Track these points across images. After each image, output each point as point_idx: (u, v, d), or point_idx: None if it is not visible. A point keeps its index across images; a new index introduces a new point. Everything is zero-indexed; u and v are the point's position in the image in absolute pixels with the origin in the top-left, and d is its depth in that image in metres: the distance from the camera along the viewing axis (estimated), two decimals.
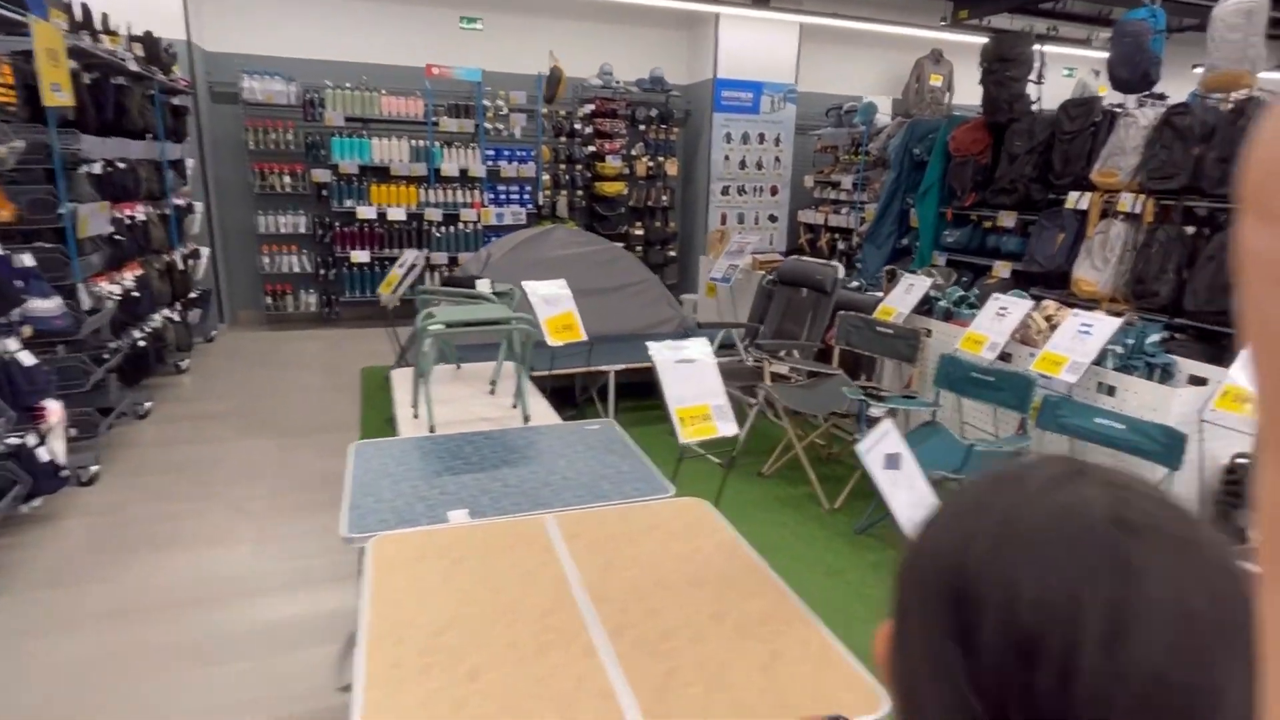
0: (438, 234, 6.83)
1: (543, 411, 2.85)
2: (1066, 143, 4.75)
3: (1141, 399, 2.72)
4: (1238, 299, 0.22)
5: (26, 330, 3.12)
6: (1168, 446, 2.42)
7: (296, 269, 6.66)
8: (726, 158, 7.51)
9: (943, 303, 3.69)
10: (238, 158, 6.40)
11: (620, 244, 7.47)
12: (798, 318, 4.22)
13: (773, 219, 7.88)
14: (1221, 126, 3.91)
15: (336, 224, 6.57)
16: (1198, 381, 2.95)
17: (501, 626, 1.29)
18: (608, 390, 4.17)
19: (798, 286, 4.27)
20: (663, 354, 2.10)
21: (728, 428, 2.13)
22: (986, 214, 5.48)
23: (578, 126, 7.17)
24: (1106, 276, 4.47)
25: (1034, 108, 5.24)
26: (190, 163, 5.75)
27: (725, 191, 7.61)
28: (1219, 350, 4.06)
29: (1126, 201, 4.37)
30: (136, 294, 4.19)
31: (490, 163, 6.87)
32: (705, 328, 4.24)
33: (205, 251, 5.93)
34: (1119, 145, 4.41)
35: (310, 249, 6.68)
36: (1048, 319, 3.26)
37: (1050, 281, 4.93)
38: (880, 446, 1.41)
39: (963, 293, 3.70)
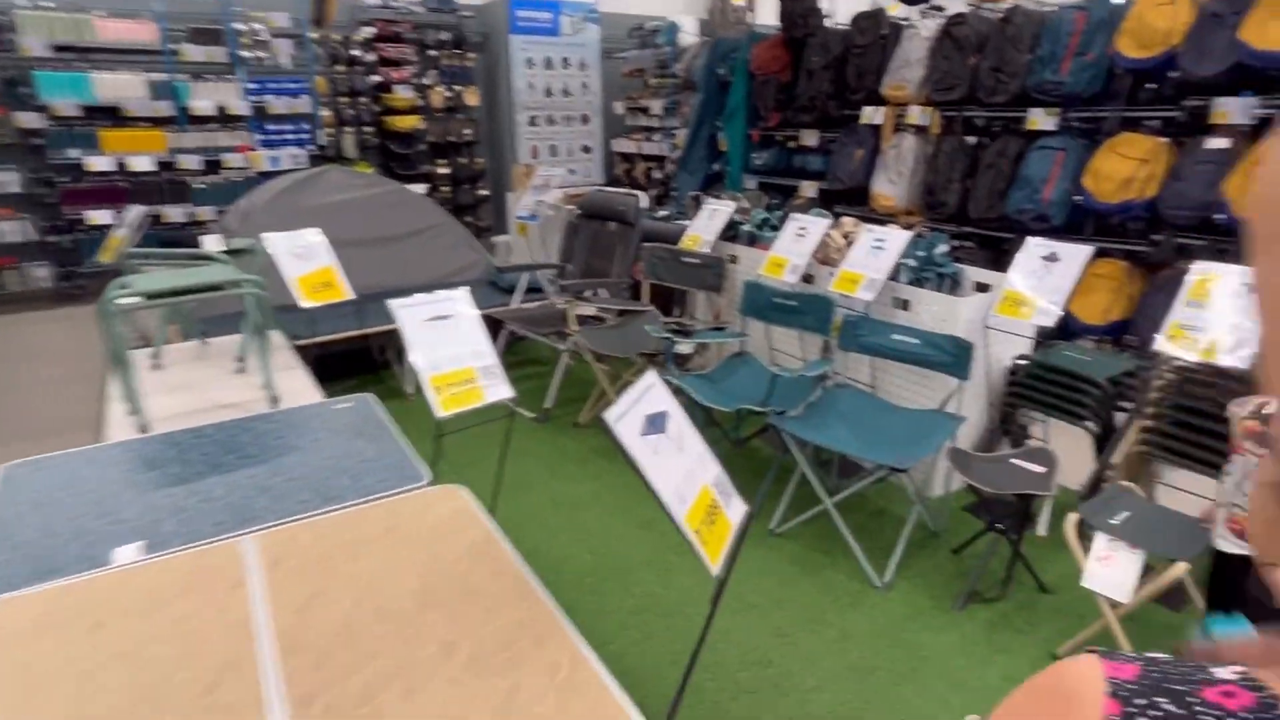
0: (199, 185, 5.85)
1: (299, 388, 2.40)
2: (859, 57, 4.74)
3: (932, 310, 2.72)
4: (1258, 334, 0.23)
5: None
6: (957, 357, 2.42)
7: (18, 238, 5.47)
8: (530, 85, 6.99)
9: (746, 227, 3.56)
10: None
11: (423, 184, 6.83)
12: (605, 253, 3.96)
13: (586, 150, 7.51)
14: (993, 35, 4.00)
15: (63, 179, 5.43)
16: (982, 288, 3.01)
17: None
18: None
19: (604, 220, 3.99)
20: (409, 311, 1.74)
21: (499, 391, 1.83)
22: (791, 134, 5.46)
23: (357, 53, 6.34)
24: (902, 190, 4.56)
25: (827, 22, 5.19)
26: None
27: (533, 122, 7.12)
28: (1000, 254, 4.28)
29: (915, 114, 4.44)
30: None
31: (254, 98, 5.93)
32: (507, 271, 3.88)
33: None
34: (905, 58, 4.44)
35: (33, 212, 5.50)
36: (845, 236, 3.21)
37: (853, 198, 5.00)
38: (639, 408, 1.17)
39: (765, 215, 3.58)
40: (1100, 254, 3.87)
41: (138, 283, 2.08)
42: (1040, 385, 2.63)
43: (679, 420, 1.25)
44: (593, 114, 7.42)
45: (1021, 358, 2.74)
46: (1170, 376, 2.28)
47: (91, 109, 5.39)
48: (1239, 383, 2.08)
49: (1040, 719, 0.42)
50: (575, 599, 2.28)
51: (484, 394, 1.78)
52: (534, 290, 4.25)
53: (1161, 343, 2.15)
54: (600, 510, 2.76)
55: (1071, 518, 1.93)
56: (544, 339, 3.57)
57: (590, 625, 2.16)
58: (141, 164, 5.57)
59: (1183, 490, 2.36)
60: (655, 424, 1.18)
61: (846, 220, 3.37)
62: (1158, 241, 3.58)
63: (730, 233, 3.65)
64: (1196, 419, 2.22)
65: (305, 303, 2.60)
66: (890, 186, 4.60)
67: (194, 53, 5.62)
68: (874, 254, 2.79)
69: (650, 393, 1.21)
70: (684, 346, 2.94)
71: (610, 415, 1.09)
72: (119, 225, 3.17)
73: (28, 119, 5.24)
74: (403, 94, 6.52)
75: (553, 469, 3.07)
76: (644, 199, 3.82)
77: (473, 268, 4.60)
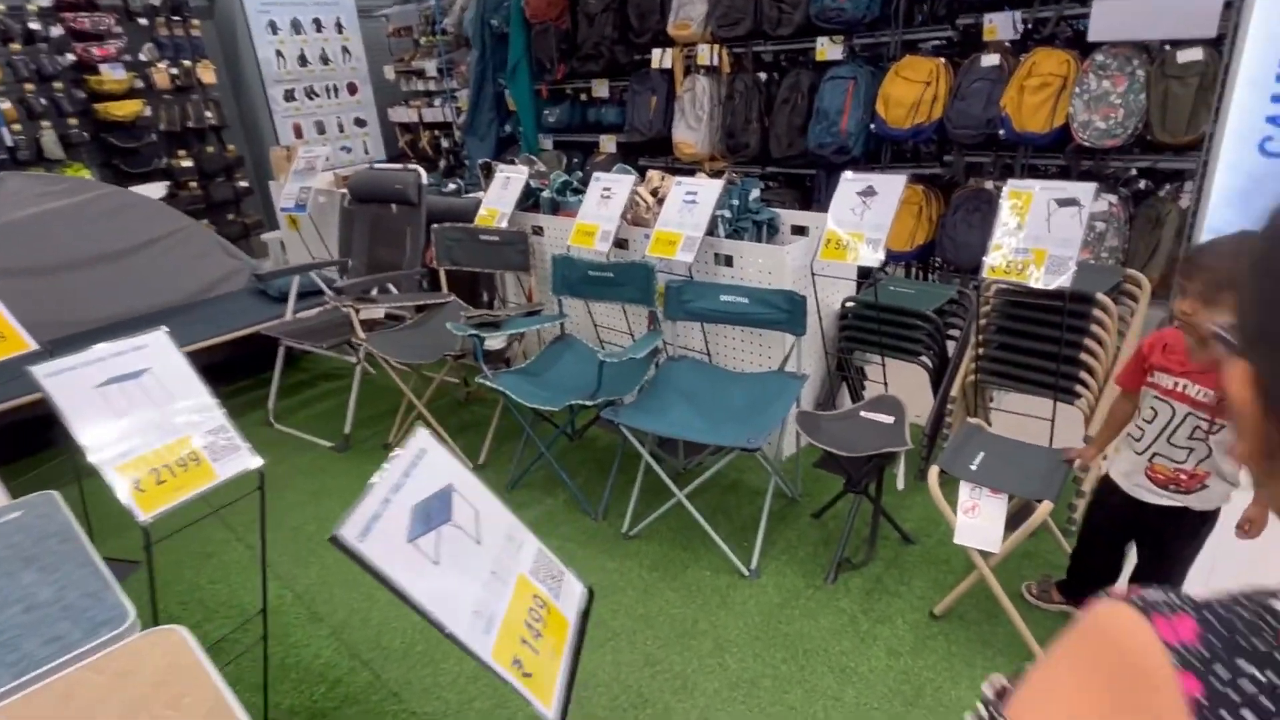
0: None
1: None
2: None
3: (757, 263, 2.52)
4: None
5: None
6: (791, 313, 2.23)
7: None
8: (279, 53, 6.05)
9: (546, 193, 3.17)
10: None
11: (164, 182, 5.75)
12: (393, 241, 3.41)
13: (360, 123, 6.69)
14: None
15: None
16: (799, 231, 2.87)
17: None
18: None
19: (383, 203, 3.43)
20: (69, 379, 1.21)
21: (239, 461, 1.35)
22: (581, 85, 5.09)
23: (36, 27, 5.09)
24: (702, 135, 4.37)
25: None
26: None
27: (290, 96, 6.20)
28: (806, 192, 4.23)
29: (705, 54, 4.23)
30: None
31: None
32: (270, 278, 3.22)
33: None
34: None
35: None
36: (654, 193, 2.93)
37: (655, 149, 4.76)
38: (400, 498, 0.79)
39: (565, 178, 3.22)
40: None
41: None
42: (871, 326, 2.53)
43: (469, 493, 0.88)
44: (360, 82, 6.59)
45: (849, 300, 2.62)
46: (995, 301, 2.24)
47: None
48: (1061, 302, 2.05)
49: (1106, 704, 0.34)
50: (405, 675, 1.87)
51: (214, 470, 1.30)
52: (315, 294, 3.61)
53: (985, 268, 2.07)
54: None
55: (933, 472, 1.80)
56: (331, 353, 3.01)
57: (427, 706, 1.77)
58: None
59: (1019, 414, 2.36)
60: (432, 514, 0.81)
61: (653, 174, 3.09)
62: (949, 162, 3.65)
63: (530, 201, 3.25)
64: (1025, 341, 2.19)
65: None
66: (690, 133, 4.40)
67: None
68: (687, 209, 2.53)
69: (419, 468, 0.83)
70: (494, 341, 2.54)
71: (348, 530, 0.70)
72: None
73: None
74: (113, 74, 5.36)
75: None
76: (424, 173, 3.31)
77: (231, 277, 3.86)
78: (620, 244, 2.87)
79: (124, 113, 5.50)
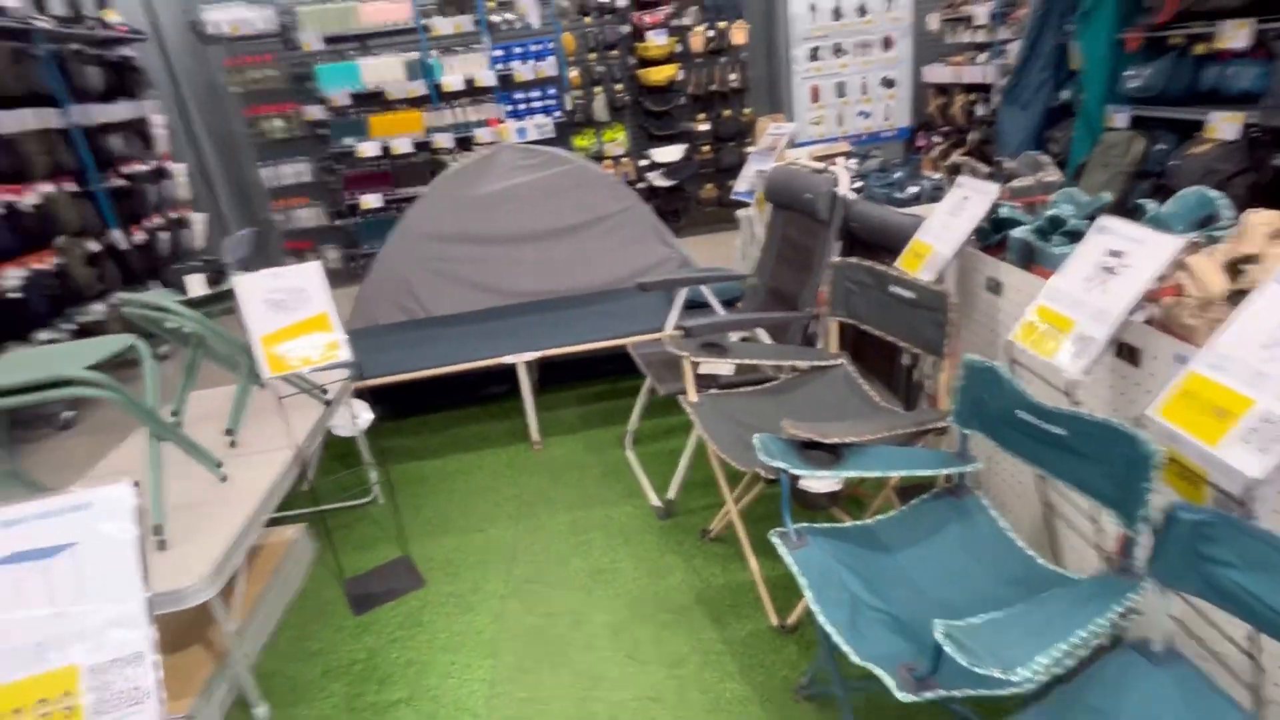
0: (454, 163, 5.74)
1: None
2: None
3: None
4: None
5: None
6: None
7: (313, 223, 5.99)
8: (812, 6, 5.50)
9: (1020, 231, 1.90)
10: (227, 105, 5.75)
11: (681, 145, 5.92)
12: (800, 265, 2.60)
13: (888, 84, 5.77)
14: None
15: (341, 166, 5.74)
16: None
17: None
18: (521, 386, 2.92)
19: (795, 212, 2.62)
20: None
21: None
22: (1199, 31, 3.20)
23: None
24: None
25: None
26: (160, 119, 5.15)
27: (815, 56, 5.64)
28: None
29: None
30: (21, 293, 3.64)
31: (500, 66, 5.56)
32: (652, 288, 2.74)
33: (199, 217, 5.41)
34: None
35: (321, 199, 5.95)
36: (1235, 267, 1.44)
37: None
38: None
39: (1057, 210, 1.87)
40: None
41: None
42: None
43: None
44: (899, 35, 5.63)
45: None
46: None
47: (359, 95, 5.54)
48: None
49: None
50: None
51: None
52: (729, 302, 3.06)
53: None
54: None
55: None
56: (670, 393, 2.44)
57: None
58: (402, 146, 5.63)
59: None
60: None
61: (1257, 221, 1.55)
62: None
63: (999, 237, 2.03)
64: None
65: (273, 374, 1.91)
66: None
67: (442, 25, 5.41)
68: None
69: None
70: (817, 483, 1.58)
71: None
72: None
73: (313, 112, 5.58)
74: (656, 40, 5.59)
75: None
76: (845, 179, 2.35)
77: (663, 264, 3.59)
78: (1128, 354, 1.51)
79: (660, 77, 5.73)
